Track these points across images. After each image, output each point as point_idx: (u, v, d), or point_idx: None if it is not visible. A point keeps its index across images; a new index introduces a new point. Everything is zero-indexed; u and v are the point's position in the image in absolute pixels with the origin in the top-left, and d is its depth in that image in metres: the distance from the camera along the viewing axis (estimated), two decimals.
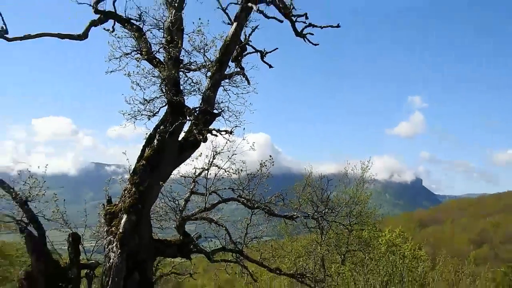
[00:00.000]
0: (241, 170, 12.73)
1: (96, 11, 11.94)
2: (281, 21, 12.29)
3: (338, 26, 12.38)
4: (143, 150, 12.22)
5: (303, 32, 12.49)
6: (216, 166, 12.60)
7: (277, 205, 13.12)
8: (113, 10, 12.06)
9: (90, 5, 11.86)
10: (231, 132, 11.88)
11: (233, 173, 12.72)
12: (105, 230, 12.09)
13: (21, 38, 11.77)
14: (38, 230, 11.90)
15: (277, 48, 13.27)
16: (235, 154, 12.36)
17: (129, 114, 11.96)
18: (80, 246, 12.28)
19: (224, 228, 12.88)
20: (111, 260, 11.44)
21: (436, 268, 16.73)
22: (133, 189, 11.79)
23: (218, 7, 12.55)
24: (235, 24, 12.21)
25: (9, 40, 11.66)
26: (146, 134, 12.29)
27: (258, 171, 12.82)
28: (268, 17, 12.36)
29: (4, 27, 11.45)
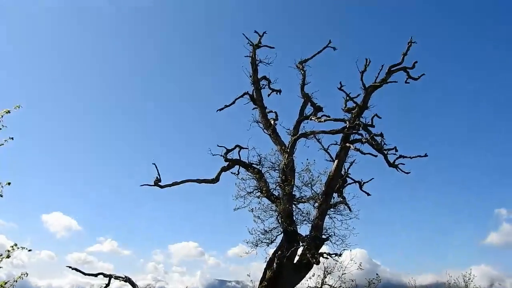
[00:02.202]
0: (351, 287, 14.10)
1: (226, 160, 15.27)
2: (375, 156, 14.42)
3: (425, 155, 14.22)
4: (264, 272, 14.22)
5: (395, 163, 14.44)
6: (328, 285, 14.17)
7: None
8: (239, 158, 15.28)
9: (221, 156, 15.23)
10: (340, 255, 13.65)
11: None
12: None
13: (170, 185, 15.23)
14: None
15: (373, 178, 15.32)
16: (345, 274, 13.93)
17: (252, 243, 14.37)
18: None
19: None
20: None
21: None
22: None
23: (321, 148, 15.22)
24: (336, 161, 14.63)
25: (161, 187, 15.13)
26: (266, 258, 14.39)
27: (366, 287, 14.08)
28: (363, 153, 14.61)
29: (159, 177, 15.00)
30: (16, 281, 8.40)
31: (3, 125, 8.12)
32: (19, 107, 8.43)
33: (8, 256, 8.67)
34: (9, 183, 8.36)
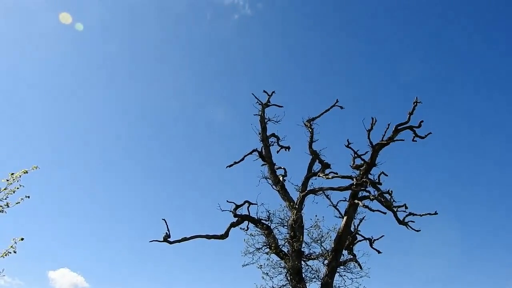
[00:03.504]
0: None
1: (235, 215, 15.41)
2: (384, 213, 14.40)
3: (435, 213, 14.18)
4: None
5: (405, 221, 14.40)
6: None
7: None
8: (248, 214, 15.42)
9: (231, 211, 15.39)
10: None
11: None
12: None
13: (179, 241, 15.27)
14: None
15: (383, 236, 15.23)
16: None
17: None
18: None
19: None
20: None
21: None
22: None
23: (330, 205, 15.30)
24: (345, 218, 14.65)
25: (170, 243, 15.16)
26: None
27: None
28: (372, 210, 14.60)
29: (168, 233, 15.09)
30: None
31: (20, 185, 8.52)
32: (36, 168, 8.90)
33: None
34: (22, 239, 8.62)
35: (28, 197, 8.47)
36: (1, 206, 7.96)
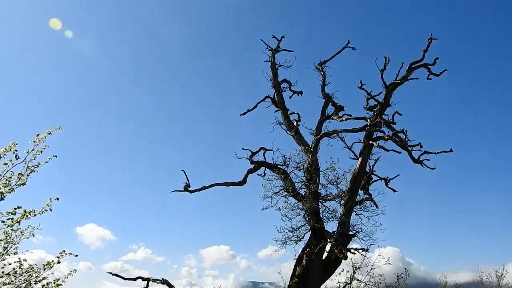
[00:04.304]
0: (380, 282, 14.42)
1: (252, 162, 15.76)
2: (399, 152, 14.58)
3: (451, 151, 14.33)
4: (294, 269, 14.63)
5: (420, 159, 14.60)
6: (357, 280, 14.51)
7: None
8: (264, 160, 15.74)
9: (247, 158, 15.73)
10: (367, 250, 13.96)
11: (373, 286, 14.42)
12: None
13: (199, 190, 15.79)
14: None
15: (398, 175, 15.53)
16: (373, 269, 14.26)
17: (281, 241, 14.79)
18: None
19: None
20: None
21: None
22: None
23: (345, 147, 15.52)
24: (360, 159, 14.90)
25: (191, 192, 15.69)
26: (295, 255, 14.80)
27: (395, 282, 14.38)
28: (387, 150, 14.77)
29: (188, 183, 15.57)
30: (67, 277, 9.08)
31: (46, 145, 8.81)
32: (59, 129, 9.14)
33: (58, 262, 9.37)
34: (57, 199, 9.06)
35: (56, 156, 8.81)
36: (33, 165, 8.30)
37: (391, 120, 14.42)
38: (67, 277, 9.08)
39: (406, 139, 14.47)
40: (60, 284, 8.83)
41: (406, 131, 14.22)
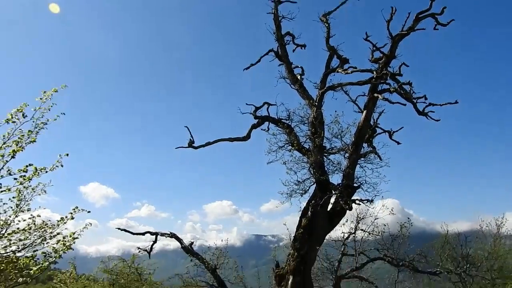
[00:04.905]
0: (384, 232, 14.83)
1: (255, 117, 15.72)
2: (404, 105, 14.53)
3: (456, 102, 14.27)
4: (300, 221, 14.97)
5: (425, 111, 14.56)
6: (361, 230, 14.93)
7: (420, 262, 14.70)
8: (268, 114, 15.69)
9: (251, 113, 15.67)
10: (371, 201, 14.22)
11: (377, 235, 14.85)
12: None
13: (204, 146, 15.85)
14: None
15: (402, 127, 15.55)
16: (377, 219, 14.62)
17: (286, 194, 15.01)
18: None
19: (374, 285, 14.80)
20: None
21: None
22: (296, 254, 14.45)
23: (349, 100, 15.45)
24: (365, 112, 14.87)
25: (195, 148, 15.75)
26: (300, 207, 15.09)
27: (398, 231, 14.78)
28: (392, 103, 14.74)
29: (192, 139, 15.60)
30: (83, 230, 9.30)
31: (53, 103, 8.73)
32: (65, 86, 9.04)
33: (72, 218, 9.55)
34: (67, 155, 9.09)
35: (64, 114, 8.76)
36: (42, 122, 8.26)
37: (397, 72, 14.22)
38: (83, 231, 9.28)
39: (411, 91, 14.37)
40: (77, 237, 9.02)
41: (412, 83, 14.09)
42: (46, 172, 8.67)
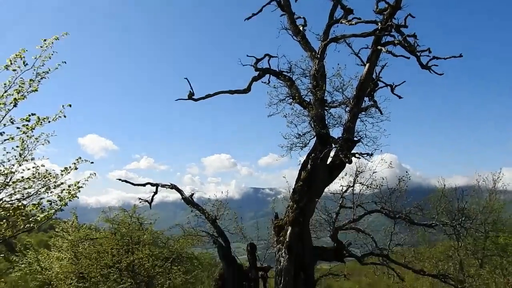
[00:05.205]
0: (382, 185, 15.05)
1: (256, 69, 15.48)
2: (408, 58, 14.29)
3: (460, 55, 14.03)
4: (299, 174, 15.12)
5: (428, 65, 14.35)
6: (360, 183, 15.12)
7: (416, 215, 15.03)
8: (269, 67, 15.44)
9: (252, 66, 15.41)
10: (371, 155, 14.31)
11: (375, 188, 15.08)
12: (275, 240, 15.20)
13: (204, 98, 15.70)
14: (225, 242, 15.47)
15: (404, 81, 15.39)
16: (376, 172, 14.78)
17: (286, 147, 15.05)
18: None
19: (370, 237, 15.21)
20: (281, 264, 14.39)
21: None
22: (295, 206, 14.71)
23: (352, 53, 15.17)
24: (367, 65, 14.65)
25: (195, 100, 15.61)
26: (300, 160, 15.19)
27: (396, 185, 15.00)
28: (395, 56, 14.50)
29: (192, 91, 15.42)
30: (87, 180, 9.38)
31: (54, 51, 8.51)
32: (66, 34, 8.78)
33: (76, 168, 9.58)
34: (70, 105, 8.98)
35: (65, 62, 8.55)
36: (43, 71, 8.10)
37: (403, 24, 13.87)
38: (87, 180, 9.35)
39: (416, 44, 14.10)
40: (81, 186, 9.10)
41: (416, 35, 13.78)
42: (49, 122, 8.61)
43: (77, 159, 9.53)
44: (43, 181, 9.51)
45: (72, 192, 9.16)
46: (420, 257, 18.05)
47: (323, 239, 16.15)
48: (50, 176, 9.56)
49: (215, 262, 23.39)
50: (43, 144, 9.11)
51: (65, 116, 8.64)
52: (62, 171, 9.51)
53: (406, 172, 14.99)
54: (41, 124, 8.53)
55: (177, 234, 19.99)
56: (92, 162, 9.94)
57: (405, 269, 15.18)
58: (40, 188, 9.45)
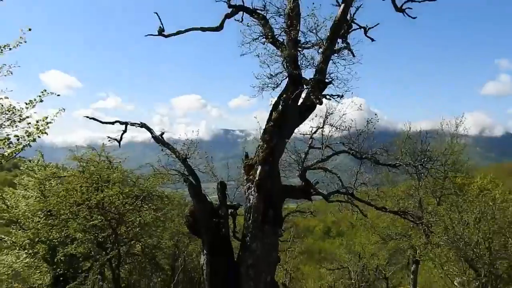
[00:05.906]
0: (350, 127, 15.34)
1: (229, 6, 14.97)
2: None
3: None
4: (270, 114, 15.19)
5: (403, 7, 14.31)
6: (329, 124, 15.35)
7: (381, 156, 15.55)
8: (242, 4, 14.95)
9: (225, 2, 14.87)
10: (342, 96, 14.47)
11: (344, 130, 15.38)
12: (244, 178, 15.49)
13: (174, 34, 15.16)
14: (196, 181, 15.62)
15: (378, 24, 15.31)
16: (345, 114, 15.01)
17: (258, 87, 14.97)
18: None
19: (337, 176, 15.71)
20: (251, 201, 14.80)
21: None
22: (265, 145, 14.90)
23: None
24: (343, 5, 14.40)
25: (165, 36, 15.08)
26: (271, 101, 15.20)
27: (365, 127, 15.33)
28: None
29: (162, 27, 14.85)
30: (56, 115, 9.09)
31: None
32: None
33: (41, 101, 9.24)
34: (30, 29, 8.47)
35: None
36: None
37: None
38: (56, 116, 9.06)
39: None
40: (50, 122, 8.83)
41: None
42: (10, 49, 8.15)
43: (42, 92, 9.18)
44: (7, 114, 9.17)
45: (41, 128, 8.90)
46: (383, 196, 19.03)
47: (291, 179, 16.55)
48: (15, 109, 9.22)
49: (185, 201, 23.75)
50: (5, 75, 8.68)
51: (25, 42, 8.17)
52: (27, 104, 9.17)
53: (375, 114, 15.31)
54: (1, 52, 8.08)
55: (147, 173, 20.05)
56: (58, 95, 9.62)
57: (368, 206, 15.90)
58: (4, 122, 9.14)
